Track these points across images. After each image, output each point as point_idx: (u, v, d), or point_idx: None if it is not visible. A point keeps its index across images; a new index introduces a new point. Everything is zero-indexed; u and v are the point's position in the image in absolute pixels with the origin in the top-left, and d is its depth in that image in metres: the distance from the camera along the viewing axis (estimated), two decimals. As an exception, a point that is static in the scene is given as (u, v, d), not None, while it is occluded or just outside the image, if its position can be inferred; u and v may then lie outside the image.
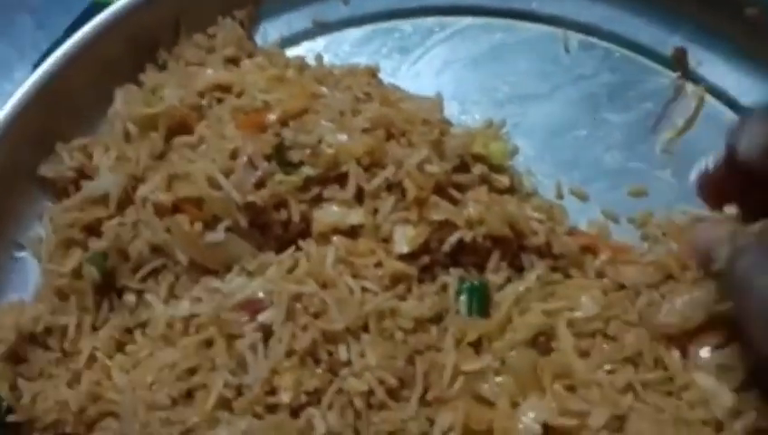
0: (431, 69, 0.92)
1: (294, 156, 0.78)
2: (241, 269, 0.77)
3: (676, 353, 0.73)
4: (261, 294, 0.73)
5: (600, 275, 0.79)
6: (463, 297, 0.77)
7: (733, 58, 0.89)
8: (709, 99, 0.88)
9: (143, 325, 0.78)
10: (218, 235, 0.77)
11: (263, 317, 0.72)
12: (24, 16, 0.98)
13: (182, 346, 0.74)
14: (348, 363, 0.71)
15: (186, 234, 0.77)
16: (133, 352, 0.77)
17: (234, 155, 0.78)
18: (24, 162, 0.85)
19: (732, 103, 0.88)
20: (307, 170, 0.78)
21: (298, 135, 0.79)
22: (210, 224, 0.77)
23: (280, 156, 0.78)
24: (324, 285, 0.74)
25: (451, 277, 0.78)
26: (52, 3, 0.98)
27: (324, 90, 0.85)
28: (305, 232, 0.79)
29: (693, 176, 0.83)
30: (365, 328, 0.73)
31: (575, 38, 0.92)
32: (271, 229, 0.79)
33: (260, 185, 0.77)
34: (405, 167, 0.78)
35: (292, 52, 0.92)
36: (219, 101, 0.84)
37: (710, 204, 0.78)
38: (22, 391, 0.76)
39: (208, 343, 0.73)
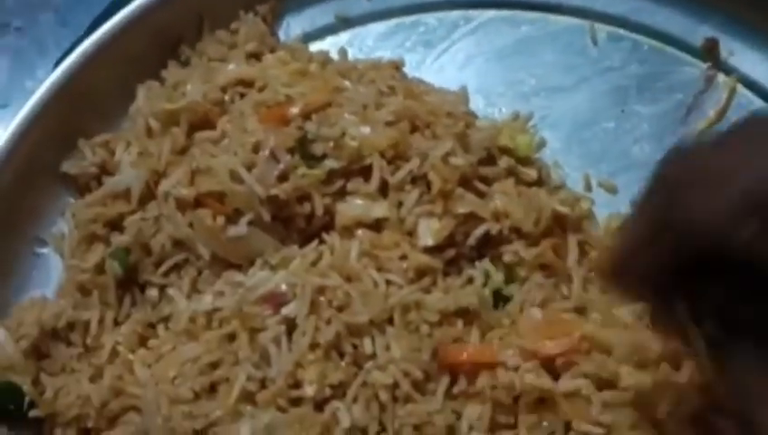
0: (456, 62, 0.91)
1: (317, 149, 0.77)
2: (264, 263, 0.76)
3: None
4: (284, 287, 0.72)
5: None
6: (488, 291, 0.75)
7: (764, 47, 0.87)
8: (741, 89, 0.87)
9: (166, 320, 0.77)
10: (241, 229, 0.76)
11: (286, 310, 0.72)
12: (47, 14, 0.98)
13: (205, 340, 0.73)
14: (372, 356, 0.70)
15: (208, 228, 0.76)
16: (156, 347, 0.76)
17: (256, 149, 0.77)
18: (46, 159, 0.84)
19: (764, 94, 0.86)
20: (330, 163, 0.77)
21: (321, 128, 0.78)
22: (233, 218, 0.76)
23: (303, 149, 0.77)
24: (348, 279, 0.73)
25: (477, 271, 0.77)
26: (74, 1, 0.97)
27: (347, 83, 0.84)
28: (329, 225, 0.78)
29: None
30: (390, 321, 0.72)
31: (603, 30, 0.90)
32: (294, 223, 0.78)
33: (283, 178, 0.76)
34: (429, 159, 0.77)
35: (315, 47, 0.91)
36: (242, 96, 0.84)
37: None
38: (44, 386, 0.76)
39: (231, 337, 0.73)
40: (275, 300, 0.72)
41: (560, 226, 0.80)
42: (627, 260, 0.55)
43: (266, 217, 0.76)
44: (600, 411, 0.68)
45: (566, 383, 0.69)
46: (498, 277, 0.76)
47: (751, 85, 0.86)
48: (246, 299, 0.72)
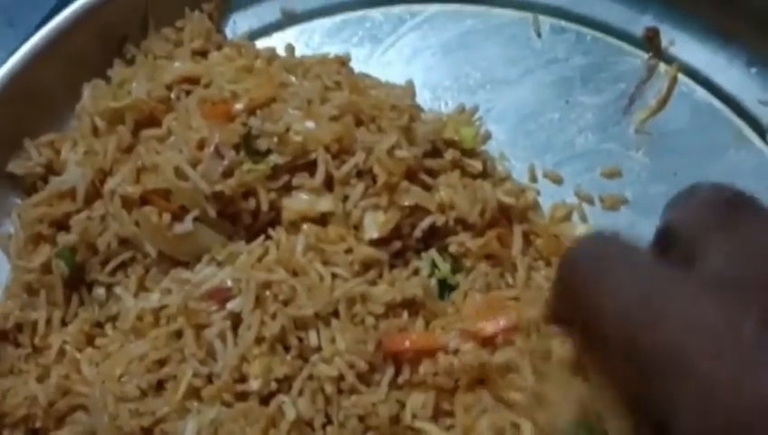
0: (402, 57, 0.92)
1: (262, 144, 0.78)
2: (210, 259, 0.76)
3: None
4: (229, 283, 0.73)
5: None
6: (434, 281, 0.76)
7: (704, 36, 0.88)
8: (682, 78, 0.88)
9: (113, 319, 0.77)
10: (187, 225, 0.76)
11: (231, 305, 0.72)
12: (-6, 14, 0.98)
13: (152, 338, 0.73)
14: (318, 349, 0.70)
15: (154, 226, 0.76)
16: (103, 346, 0.76)
17: (201, 145, 0.77)
18: (-9, 160, 0.84)
19: (705, 82, 0.87)
20: (275, 159, 0.77)
21: (265, 123, 0.78)
22: (179, 215, 0.76)
23: (247, 145, 0.78)
24: (294, 273, 0.74)
25: (423, 262, 0.77)
26: (21, 1, 0.97)
27: (293, 79, 0.84)
28: (275, 220, 0.78)
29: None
30: (335, 314, 0.72)
31: (546, 22, 0.92)
32: (240, 219, 0.78)
33: (228, 174, 0.76)
34: (374, 153, 0.78)
35: (261, 43, 0.92)
36: (187, 93, 0.83)
37: None
38: (-9, 388, 0.75)
39: (178, 334, 0.73)
40: (221, 296, 0.72)
41: (505, 216, 0.81)
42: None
43: (212, 213, 0.76)
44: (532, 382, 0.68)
45: (500, 356, 0.69)
46: (445, 267, 0.77)
47: (692, 74, 0.88)
48: (192, 295, 0.72)
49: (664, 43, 0.89)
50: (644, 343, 0.43)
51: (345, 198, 0.78)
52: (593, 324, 0.47)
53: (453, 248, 0.78)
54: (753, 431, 0.39)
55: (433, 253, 0.77)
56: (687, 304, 0.43)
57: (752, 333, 0.40)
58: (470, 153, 0.83)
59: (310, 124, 0.79)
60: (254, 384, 0.69)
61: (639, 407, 0.46)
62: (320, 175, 0.78)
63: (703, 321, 0.42)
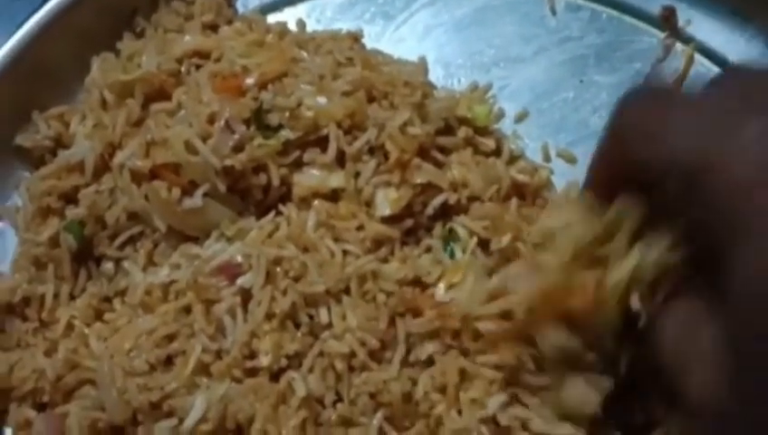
0: (415, 34, 0.91)
1: (273, 119, 0.77)
2: (220, 235, 0.75)
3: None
4: (239, 259, 0.72)
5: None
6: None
7: (721, 16, 0.87)
8: (699, 58, 0.87)
9: (122, 293, 0.77)
10: (196, 200, 0.75)
11: (241, 281, 0.71)
12: (1, -13, 0.96)
13: (160, 313, 0.72)
14: (329, 326, 0.70)
15: (163, 201, 0.75)
16: (111, 321, 0.75)
17: (211, 119, 0.76)
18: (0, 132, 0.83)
19: (721, 62, 0.86)
20: (286, 134, 0.77)
21: (276, 98, 0.77)
22: (188, 190, 0.76)
23: (258, 119, 0.77)
24: (305, 249, 0.73)
25: (435, 240, 0.76)
26: (29, -27, 0.96)
27: (304, 54, 0.83)
28: (286, 196, 0.77)
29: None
30: (346, 291, 0.71)
31: (561, 0, 0.90)
32: (251, 194, 0.77)
33: (238, 149, 0.75)
34: (387, 129, 0.77)
35: (272, 18, 0.91)
36: (198, 67, 0.83)
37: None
38: (-1, 360, 0.75)
39: (187, 310, 0.72)
40: (231, 271, 0.72)
41: (519, 195, 0.80)
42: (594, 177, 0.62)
43: (222, 188, 0.75)
44: None
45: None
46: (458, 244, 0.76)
47: (708, 53, 0.87)
48: (201, 271, 0.72)
49: (681, 22, 0.87)
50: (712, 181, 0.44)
51: (357, 175, 0.77)
52: (656, 163, 0.49)
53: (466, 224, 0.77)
54: None
55: (445, 230, 0.76)
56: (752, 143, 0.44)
57: None
58: (483, 131, 0.82)
59: (321, 100, 0.78)
60: (263, 360, 0.69)
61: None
62: (331, 151, 0.77)
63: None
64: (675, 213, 0.52)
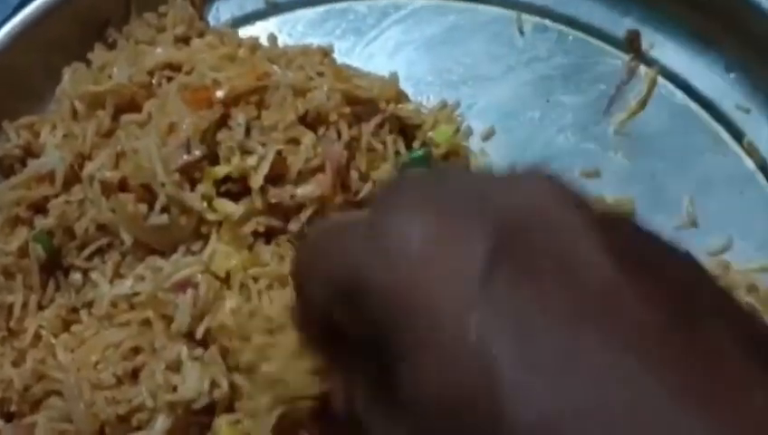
0: (385, 50, 0.92)
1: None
2: (186, 250, 0.76)
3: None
4: (199, 276, 0.73)
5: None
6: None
7: (684, 40, 0.89)
8: (662, 81, 0.89)
9: (89, 305, 0.77)
10: (162, 217, 0.75)
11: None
12: (-29, -5, 0.96)
13: (125, 325, 0.73)
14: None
15: (129, 215, 0.75)
16: (78, 332, 0.75)
17: (171, 129, 0.76)
18: (-31, 141, 0.83)
19: (684, 86, 0.88)
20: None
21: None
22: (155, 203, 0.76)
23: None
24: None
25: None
26: (0, -20, 0.96)
27: (276, 68, 0.84)
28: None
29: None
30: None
31: (529, 21, 0.92)
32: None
33: (186, 170, 0.75)
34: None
35: (244, 32, 0.91)
36: (169, 79, 0.83)
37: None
38: (-35, 371, 0.75)
39: (149, 323, 0.73)
40: (189, 287, 0.72)
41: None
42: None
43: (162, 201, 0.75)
44: None
45: None
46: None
47: (671, 77, 0.88)
48: (161, 285, 0.72)
49: (645, 45, 0.89)
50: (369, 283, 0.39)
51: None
52: (318, 290, 0.45)
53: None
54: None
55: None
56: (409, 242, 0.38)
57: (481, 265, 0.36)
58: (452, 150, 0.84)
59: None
60: (229, 375, 0.69)
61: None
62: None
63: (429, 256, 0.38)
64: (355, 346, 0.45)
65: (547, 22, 0.92)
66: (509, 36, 0.92)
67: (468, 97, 0.89)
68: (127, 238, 0.76)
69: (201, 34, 0.89)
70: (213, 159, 0.76)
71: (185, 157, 0.75)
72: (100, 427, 0.69)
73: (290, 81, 0.81)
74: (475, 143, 0.86)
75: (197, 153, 0.75)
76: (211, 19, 0.92)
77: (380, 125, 0.81)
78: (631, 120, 0.87)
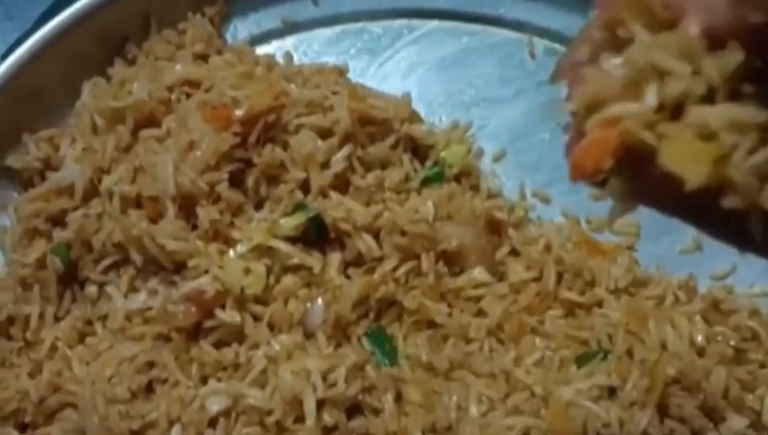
0: (399, 71, 0.93)
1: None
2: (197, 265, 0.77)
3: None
4: (207, 287, 0.74)
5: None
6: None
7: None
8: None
9: (104, 318, 0.78)
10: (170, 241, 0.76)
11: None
12: (-7, 8, 0.98)
13: (139, 340, 0.75)
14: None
15: (137, 237, 0.76)
16: (93, 345, 0.77)
17: (190, 146, 0.78)
18: (-11, 153, 0.85)
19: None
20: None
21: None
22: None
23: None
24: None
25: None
26: (20, -5, 0.97)
27: (293, 87, 0.85)
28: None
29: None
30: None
31: (540, 44, 0.93)
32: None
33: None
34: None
35: (261, 50, 0.93)
36: (188, 96, 0.84)
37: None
38: (-18, 380, 0.76)
39: (163, 337, 0.74)
40: (198, 299, 0.74)
41: (494, 231, 0.83)
42: None
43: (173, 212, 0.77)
44: None
45: None
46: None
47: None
48: (170, 298, 0.74)
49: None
50: None
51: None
52: None
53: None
54: None
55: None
56: None
57: None
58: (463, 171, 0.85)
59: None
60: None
61: None
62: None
63: None
64: None
65: (557, 45, 0.93)
66: (520, 59, 0.93)
67: (480, 118, 0.90)
68: (137, 259, 0.77)
69: (219, 52, 0.91)
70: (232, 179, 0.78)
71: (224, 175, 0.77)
72: (114, 441, 0.71)
73: (306, 99, 0.82)
74: (485, 164, 0.88)
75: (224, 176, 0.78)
76: (229, 37, 0.94)
77: (394, 145, 0.82)
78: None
